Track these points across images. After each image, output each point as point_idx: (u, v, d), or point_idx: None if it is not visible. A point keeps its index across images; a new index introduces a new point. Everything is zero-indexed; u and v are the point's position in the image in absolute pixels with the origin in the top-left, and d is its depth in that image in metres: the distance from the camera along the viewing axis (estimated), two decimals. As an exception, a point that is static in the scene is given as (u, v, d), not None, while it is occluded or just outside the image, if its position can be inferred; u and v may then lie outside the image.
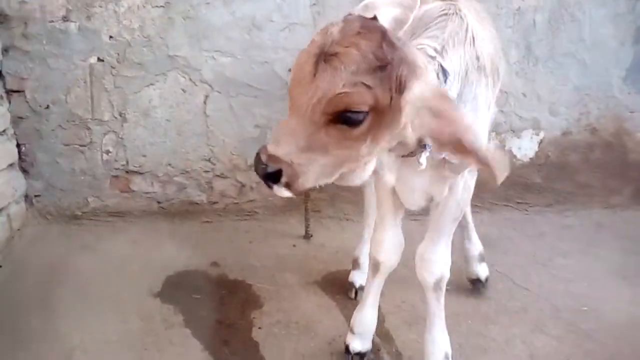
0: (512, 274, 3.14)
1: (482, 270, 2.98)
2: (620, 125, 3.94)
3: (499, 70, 2.10)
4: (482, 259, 3.00)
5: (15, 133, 3.50)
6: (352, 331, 2.44)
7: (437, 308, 2.25)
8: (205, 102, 3.61)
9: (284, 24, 3.52)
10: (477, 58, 1.82)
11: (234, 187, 3.78)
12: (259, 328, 2.67)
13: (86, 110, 3.53)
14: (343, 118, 1.39)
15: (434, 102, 1.42)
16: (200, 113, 3.63)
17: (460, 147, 1.39)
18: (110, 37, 3.45)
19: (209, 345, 2.53)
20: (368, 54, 1.35)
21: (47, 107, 3.50)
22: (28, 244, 3.43)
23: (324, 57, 1.36)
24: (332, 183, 1.60)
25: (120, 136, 3.60)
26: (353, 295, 2.90)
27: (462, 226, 2.94)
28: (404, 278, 2.66)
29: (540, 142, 3.93)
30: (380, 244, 2.31)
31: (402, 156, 1.69)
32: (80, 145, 3.60)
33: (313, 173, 1.47)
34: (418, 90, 1.41)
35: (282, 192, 1.48)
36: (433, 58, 1.66)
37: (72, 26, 3.41)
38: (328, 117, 1.39)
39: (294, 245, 3.51)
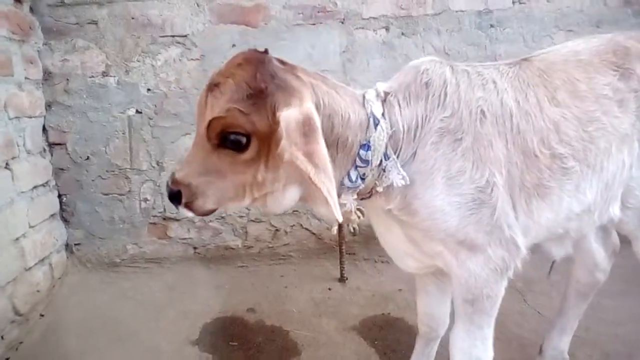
0: (557, 317, 3.03)
1: None
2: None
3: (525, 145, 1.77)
4: None
5: (56, 184, 3.61)
6: None
7: None
8: (239, 149, 3.68)
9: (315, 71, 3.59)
10: (441, 120, 1.68)
11: (268, 231, 3.80)
12: (298, 377, 2.64)
13: (125, 160, 3.64)
14: (227, 142, 1.52)
15: (292, 134, 1.44)
16: (235, 160, 3.69)
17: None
18: (148, 89, 3.58)
19: (248, 395, 2.51)
20: (242, 83, 1.48)
21: (87, 158, 3.62)
22: (69, 292, 3.48)
23: (210, 88, 1.52)
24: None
25: (157, 184, 3.68)
26: None
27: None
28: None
29: None
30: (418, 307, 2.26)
31: (361, 199, 1.74)
32: (119, 195, 3.69)
33: (213, 195, 1.59)
34: (284, 118, 1.45)
35: (185, 213, 1.61)
36: (366, 102, 1.67)
37: (111, 80, 3.56)
38: (214, 141, 1.53)
39: (330, 289, 3.49)
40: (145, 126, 3.60)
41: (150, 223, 3.74)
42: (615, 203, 1.98)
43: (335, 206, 1.44)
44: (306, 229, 3.81)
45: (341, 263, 3.57)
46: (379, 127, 1.64)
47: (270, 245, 3.83)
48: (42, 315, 3.18)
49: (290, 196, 1.62)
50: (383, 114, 1.67)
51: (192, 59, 3.56)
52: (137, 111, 3.59)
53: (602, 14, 3.73)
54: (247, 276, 3.69)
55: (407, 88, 1.72)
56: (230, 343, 2.91)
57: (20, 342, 2.91)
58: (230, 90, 1.47)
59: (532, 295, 3.31)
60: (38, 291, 3.19)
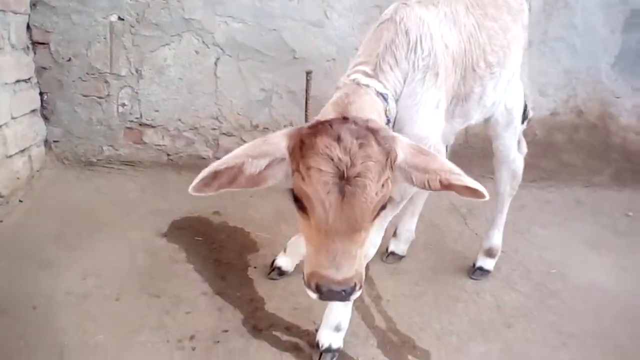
0: (491, 238, 3.39)
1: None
2: (605, 110, 4.19)
3: (479, 62, 2.16)
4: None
5: (38, 82, 3.75)
6: (284, 251, 2.86)
7: None
8: (216, 64, 3.86)
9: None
10: (423, 58, 1.92)
11: (239, 145, 3.98)
12: (254, 267, 2.95)
13: (105, 64, 3.79)
14: (380, 210, 1.59)
15: (416, 160, 1.60)
16: (211, 74, 3.88)
17: (449, 185, 1.57)
18: (131, -3, 3.69)
19: (209, 278, 2.81)
20: (379, 157, 1.52)
21: (69, 59, 3.75)
22: (46, 184, 3.71)
23: (347, 182, 1.49)
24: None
25: (135, 91, 3.86)
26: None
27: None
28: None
29: (529, 121, 4.15)
30: None
31: None
32: (98, 97, 3.86)
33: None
34: (401, 156, 1.60)
35: (358, 294, 1.62)
36: (367, 86, 1.84)
37: (96, -16, 3.65)
38: (373, 220, 1.57)
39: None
40: (126, 33, 3.72)
41: (127, 127, 3.94)
42: (505, 98, 2.51)
43: (478, 186, 1.56)
44: (274, 146, 4.04)
45: (304, 179, 3.83)
46: (389, 100, 1.86)
47: (240, 159, 4.06)
48: (21, 201, 3.41)
49: None
50: (384, 87, 1.87)
51: (176, -29, 3.67)
52: (119, 18, 3.71)
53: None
54: (215, 185, 3.94)
55: (392, 43, 1.91)
56: (196, 238, 3.21)
57: (1, 221, 3.15)
58: (377, 171, 1.50)
59: (472, 219, 3.66)
60: (18, 178, 3.40)
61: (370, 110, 1.77)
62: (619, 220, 3.84)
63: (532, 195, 4.14)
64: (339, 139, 1.50)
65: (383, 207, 1.58)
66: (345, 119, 1.60)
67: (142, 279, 2.76)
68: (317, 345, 2.32)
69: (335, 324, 2.32)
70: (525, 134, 4.15)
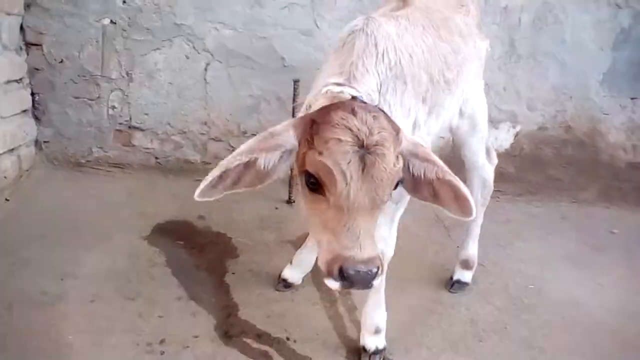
0: (472, 252, 3.40)
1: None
2: (594, 126, 4.20)
3: (444, 73, 2.25)
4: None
5: (30, 83, 3.81)
6: (290, 263, 2.88)
7: None
8: (206, 70, 3.91)
9: (284, 3, 3.80)
10: (391, 68, 1.96)
11: (227, 150, 4.06)
12: (233, 273, 2.97)
13: (96, 67, 3.84)
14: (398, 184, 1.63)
15: (417, 150, 1.68)
16: (201, 79, 3.92)
17: (440, 189, 1.66)
18: (124, 1, 3.74)
19: (185, 283, 2.84)
20: (390, 129, 1.59)
21: (61, 61, 3.81)
22: (34, 184, 3.75)
23: (367, 150, 1.51)
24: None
25: (125, 94, 3.90)
26: None
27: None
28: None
29: (516, 135, 4.18)
30: None
31: None
32: (89, 99, 3.90)
33: None
34: (404, 143, 1.66)
35: (379, 281, 1.64)
36: (342, 93, 1.79)
37: (89, -12, 3.70)
38: (391, 191, 1.60)
39: (276, 208, 3.81)
40: (118, 37, 3.78)
41: (116, 130, 3.98)
42: (458, 112, 2.62)
43: (468, 196, 1.65)
44: (262, 152, 4.07)
45: (290, 186, 3.87)
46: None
47: (228, 164, 4.09)
48: (8, 200, 3.45)
49: None
50: (357, 92, 1.84)
51: (168, -23, 3.72)
52: (111, 21, 3.76)
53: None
54: (202, 189, 3.98)
55: (364, 53, 1.92)
56: (177, 242, 3.24)
57: (-15, 219, 3.20)
58: (392, 141, 1.56)
59: (455, 232, 3.66)
60: (5, 177, 3.45)
61: None
62: (602, 237, 3.83)
63: (518, 209, 4.15)
64: (353, 112, 1.55)
65: (396, 186, 1.62)
66: (353, 98, 1.66)
67: (119, 281, 2.79)
68: (364, 349, 2.42)
69: (374, 328, 2.43)
70: (512, 147, 4.24)
